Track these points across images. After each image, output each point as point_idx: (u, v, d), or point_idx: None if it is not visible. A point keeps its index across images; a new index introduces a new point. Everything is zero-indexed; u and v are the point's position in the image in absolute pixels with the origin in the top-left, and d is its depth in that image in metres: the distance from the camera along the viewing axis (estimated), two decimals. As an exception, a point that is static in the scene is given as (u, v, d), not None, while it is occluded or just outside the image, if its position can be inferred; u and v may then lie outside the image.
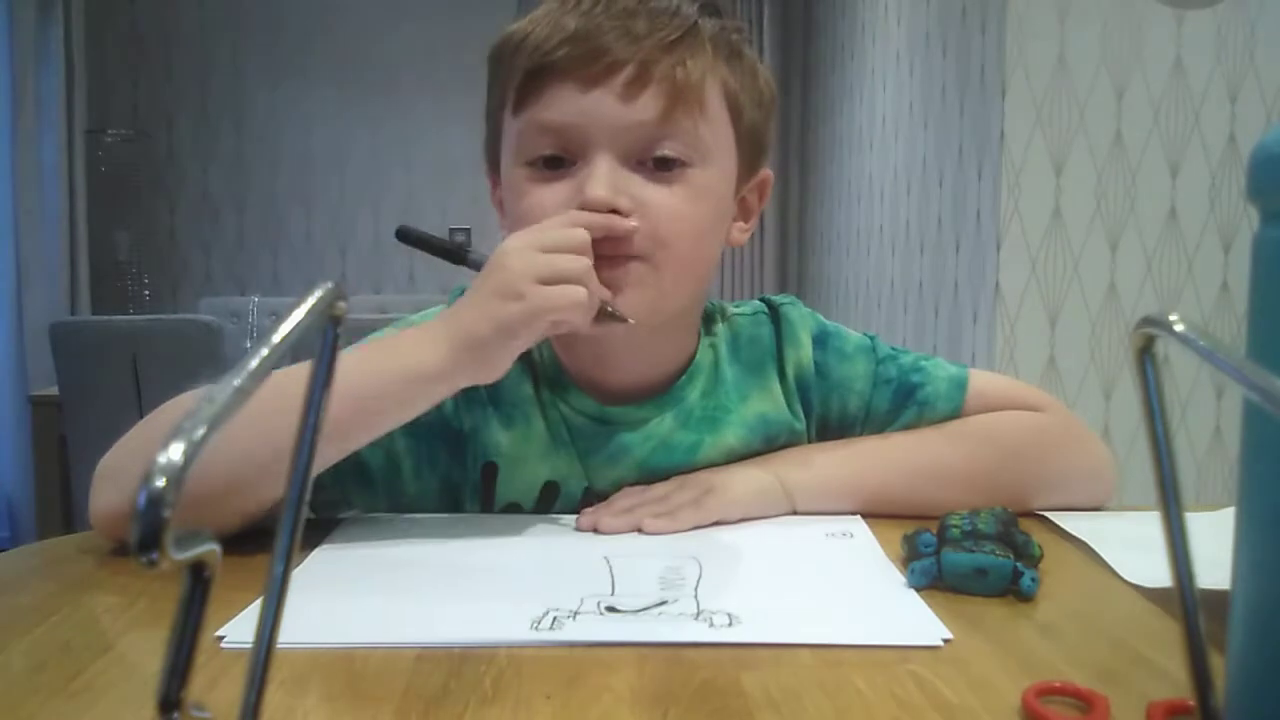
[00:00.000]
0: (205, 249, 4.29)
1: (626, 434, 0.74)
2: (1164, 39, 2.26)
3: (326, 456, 0.62)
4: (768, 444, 0.77)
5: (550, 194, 0.67)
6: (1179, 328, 0.29)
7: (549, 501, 0.74)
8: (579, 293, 0.61)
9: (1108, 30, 2.24)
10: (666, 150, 0.67)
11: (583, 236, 0.63)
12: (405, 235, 0.76)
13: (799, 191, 4.26)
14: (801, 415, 0.79)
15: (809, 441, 0.79)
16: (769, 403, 0.78)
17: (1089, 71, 2.24)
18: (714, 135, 0.70)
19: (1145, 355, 0.30)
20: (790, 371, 0.78)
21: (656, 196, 0.67)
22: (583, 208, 0.65)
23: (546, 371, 0.75)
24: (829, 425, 0.80)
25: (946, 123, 2.64)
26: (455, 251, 0.74)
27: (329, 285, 0.30)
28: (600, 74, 0.65)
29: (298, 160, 4.29)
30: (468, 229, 4.35)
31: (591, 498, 0.73)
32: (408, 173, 4.32)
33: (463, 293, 0.71)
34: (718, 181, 0.71)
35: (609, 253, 0.65)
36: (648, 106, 0.66)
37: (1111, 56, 2.24)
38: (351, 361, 0.62)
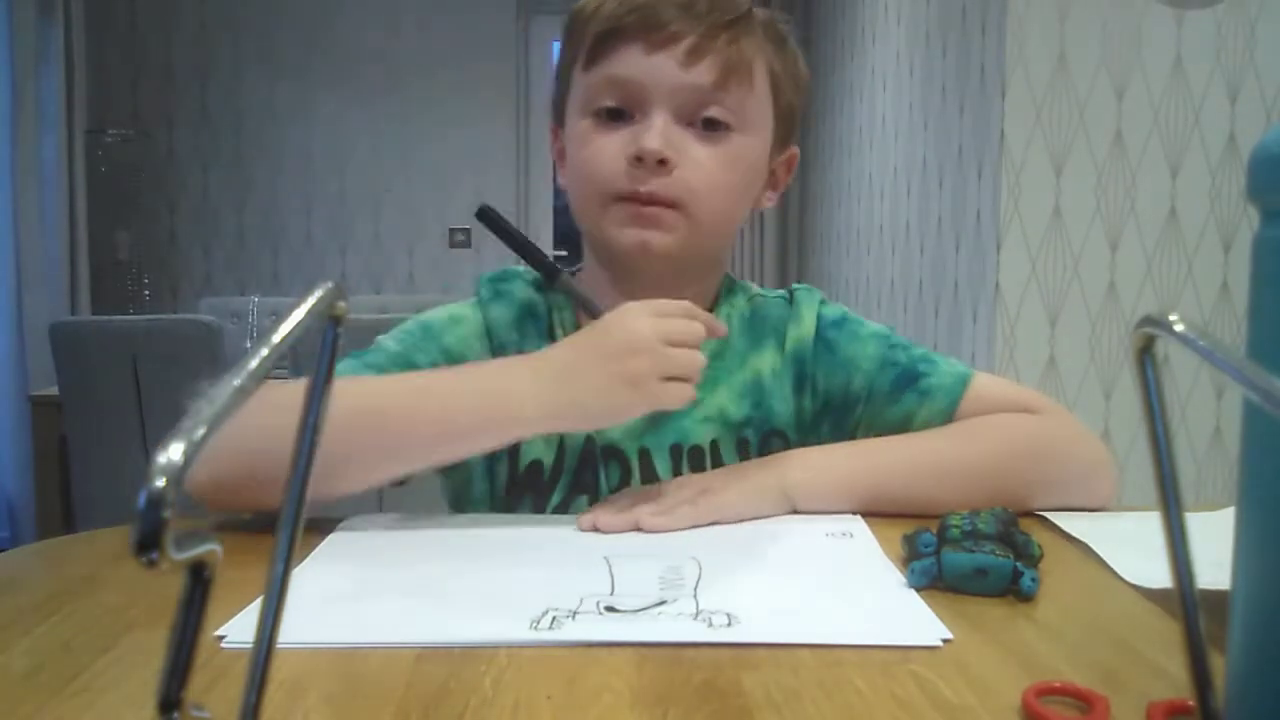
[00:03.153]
0: (205, 249, 4.29)
1: None
2: (1164, 39, 2.26)
3: (402, 468, 0.68)
4: (755, 409, 0.81)
5: (610, 143, 0.75)
6: (1179, 328, 0.29)
7: (562, 452, 0.79)
8: (688, 391, 0.67)
9: (1108, 30, 2.24)
10: (714, 112, 0.75)
11: (700, 331, 0.68)
12: (485, 216, 0.82)
13: (799, 191, 4.26)
14: (791, 391, 0.82)
15: (806, 418, 0.82)
16: (764, 369, 0.82)
17: (1089, 71, 2.24)
18: (757, 108, 0.78)
19: (1145, 355, 0.30)
20: (789, 346, 0.83)
21: (699, 152, 0.75)
22: (638, 154, 0.73)
23: (568, 334, 0.80)
24: (832, 401, 0.82)
25: (946, 123, 2.64)
26: (543, 265, 0.81)
27: (329, 285, 0.30)
28: (664, 40, 0.73)
29: (298, 160, 4.29)
30: (468, 229, 4.34)
31: (593, 447, 0.78)
32: (408, 173, 4.32)
33: (491, 283, 0.84)
34: (754, 150, 0.79)
35: (648, 200, 0.74)
36: (703, 73, 0.74)
37: (1111, 56, 2.24)
38: (442, 387, 0.68)
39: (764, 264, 4.25)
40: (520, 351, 0.80)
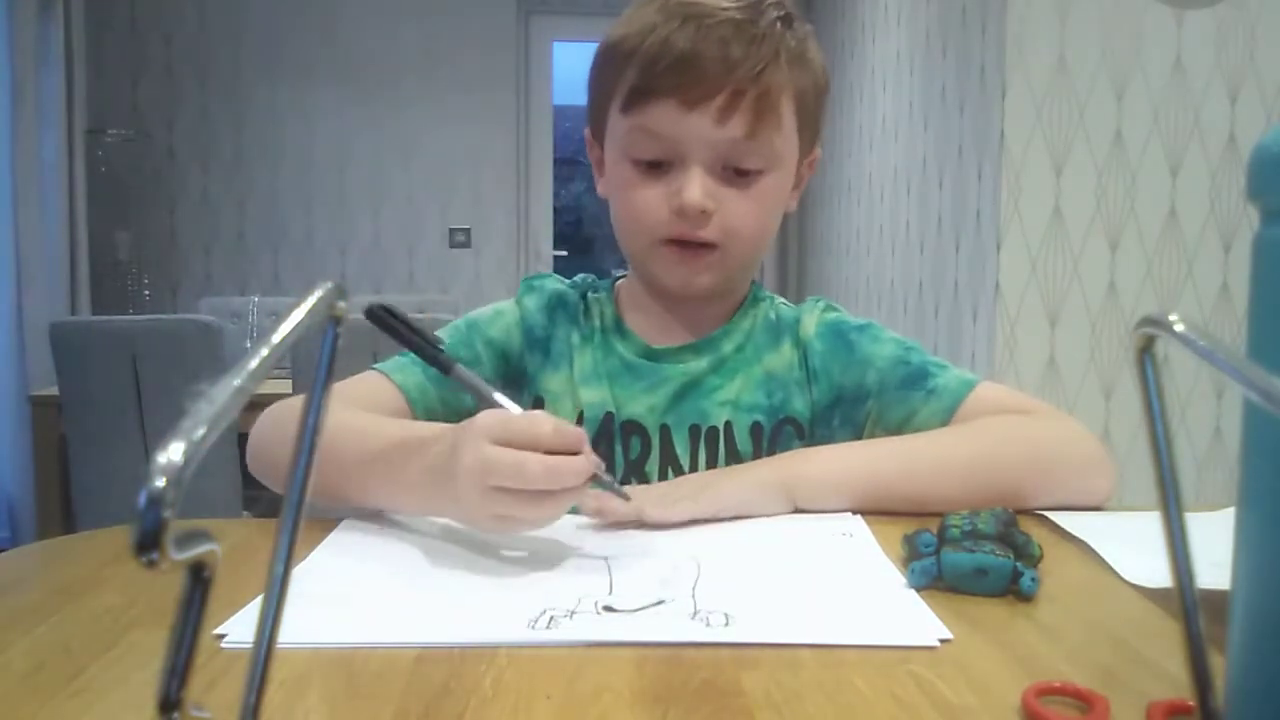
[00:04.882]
0: (205, 249, 4.28)
1: (667, 367, 0.86)
2: (1164, 39, 2.26)
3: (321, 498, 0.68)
4: (768, 398, 0.86)
5: (652, 192, 0.81)
6: (1179, 328, 0.29)
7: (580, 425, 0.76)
8: (560, 509, 0.59)
9: (1108, 30, 2.24)
10: (747, 163, 0.80)
11: (580, 437, 0.59)
12: (373, 315, 0.67)
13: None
14: (805, 381, 0.87)
15: (818, 409, 0.86)
16: (778, 365, 0.87)
17: (1089, 71, 2.24)
18: (784, 144, 0.82)
19: (1145, 355, 0.30)
20: (800, 345, 0.88)
21: (734, 198, 0.80)
22: (680, 209, 0.79)
23: (606, 323, 0.89)
24: (845, 394, 0.86)
25: (946, 123, 2.64)
26: (436, 360, 0.68)
27: (329, 285, 0.30)
28: (698, 98, 0.76)
29: (298, 160, 4.29)
30: (468, 229, 4.34)
31: (611, 423, 0.83)
32: (408, 173, 4.31)
33: (526, 281, 0.91)
34: (783, 182, 0.84)
35: (692, 242, 0.80)
36: (735, 127, 0.78)
37: (1111, 56, 2.24)
38: (375, 445, 0.67)
39: (764, 266, 4.26)
40: (550, 338, 0.87)
